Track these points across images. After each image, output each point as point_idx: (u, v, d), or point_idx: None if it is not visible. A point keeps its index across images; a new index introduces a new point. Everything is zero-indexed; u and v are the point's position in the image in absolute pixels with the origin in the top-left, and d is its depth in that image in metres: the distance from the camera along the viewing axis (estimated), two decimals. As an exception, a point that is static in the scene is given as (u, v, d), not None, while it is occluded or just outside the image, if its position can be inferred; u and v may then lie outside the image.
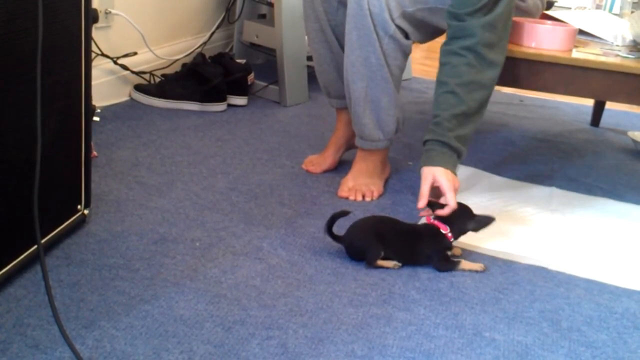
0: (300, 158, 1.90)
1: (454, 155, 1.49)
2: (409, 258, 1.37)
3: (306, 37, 2.44)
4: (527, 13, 1.72)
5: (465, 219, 1.40)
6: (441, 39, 1.72)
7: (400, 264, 1.36)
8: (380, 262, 1.35)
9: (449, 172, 1.46)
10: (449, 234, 1.38)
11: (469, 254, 1.46)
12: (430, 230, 1.39)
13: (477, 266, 1.39)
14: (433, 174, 1.45)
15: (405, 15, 1.55)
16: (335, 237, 1.36)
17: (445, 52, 1.51)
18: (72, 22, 1.23)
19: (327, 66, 1.76)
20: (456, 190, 1.45)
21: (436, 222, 1.39)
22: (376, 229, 1.37)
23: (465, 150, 1.52)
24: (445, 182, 1.43)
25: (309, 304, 1.21)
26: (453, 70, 1.48)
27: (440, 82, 1.51)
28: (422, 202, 1.42)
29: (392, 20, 1.53)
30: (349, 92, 1.64)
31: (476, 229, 1.41)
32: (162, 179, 1.68)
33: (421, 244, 1.37)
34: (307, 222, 1.53)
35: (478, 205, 1.69)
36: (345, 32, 1.59)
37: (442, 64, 1.51)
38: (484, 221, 1.41)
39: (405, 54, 1.62)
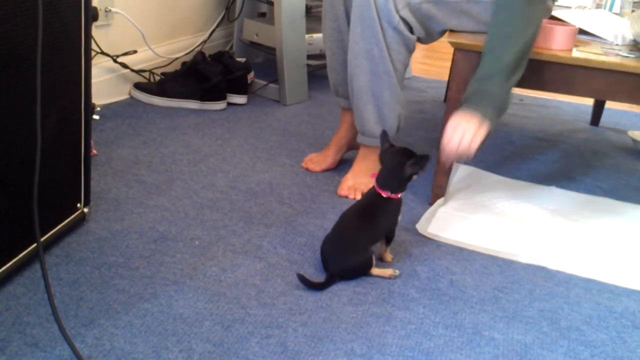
0: (300, 157, 1.90)
1: (495, 106, 1.40)
2: (378, 238, 1.35)
3: (307, 36, 2.45)
4: None
5: (402, 169, 1.32)
6: (443, 39, 1.72)
7: (397, 273, 1.33)
8: (377, 272, 1.32)
9: (480, 118, 1.37)
10: (392, 195, 1.33)
11: (468, 253, 1.46)
12: (376, 199, 1.34)
13: (388, 273, 1.34)
14: (460, 116, 1.36)
15: (411, 8, 1.55)
16: (324, 284, 1.27)
17: (492, 24, 1.48)
18: (72, 21, 1.23)
19: (339, 65, 1.76)
20: (480, 139, 1.36)
21: (377, 188, 1.34)
22: (354, 240, 1.31)
23: (509, 104, 1.44)
24: (467, 124, 1.36)
25: (308, 302, 1.21)
26: (500, 41, 1.44)
27: (488, 51, 1.45)
28: (446, 138, 1.36)
29: (397, 11, 1.54)
30: (352, 85, 1.64)
31: (416, 171, 1.33)
32: (161, 177, 1.68)
33: (378, 219, 1.33)
34: (307, 221, 1.53)
35: (478, 204, 1.70)
36: (350, 24, 1.60)
37: (490, 34, 1.47)
38: (420, 163, 1.33)
39: (409, 49, 1.61)
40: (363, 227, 1.32)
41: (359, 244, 1.30)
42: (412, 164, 1.32)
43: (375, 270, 1.32)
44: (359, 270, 1.31)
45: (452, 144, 1.36)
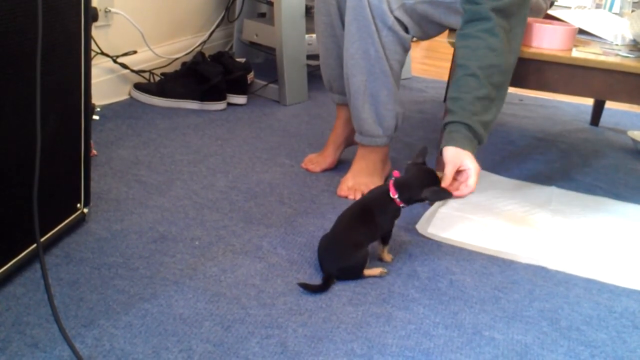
0: (299, 157, 1.90)
1: (475, 140, 1.43)
2: (376, 236, 1.35)
3: (306, 36, 2.45)
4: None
5: (421, 187, 1.33)
6: (441, 38, 1.72)
7: (386, 271, 1.34)
8: (368, 272, 1.32)
9: (473, 156, 1.40)
10: (398, 199, 1.33)
11: (468, 253, 1.46)
12: (381, 196, 1.35)
13: (377, 271, 1.34)
14: (461, 158, 1.39)
15: (405, 8, 1.55)
16: (323, 286, 1.26)
17: (463, 35, 1.47)
18: (72, 21, 1.23)
19: (333, 61, 1.76)
20: (477, 176, 1.40)
21: (390, 184, 1.34)
22: (350, 240, 1.30)
23: (486, 137, 1.45)
24: (473, 166, 1.38)
25: (308, 302, 1.21)
26: (473, 53, 1.44)
27: (460, 65, 1.46)
28: (447, 183, 1.37)
29: (391, 12, 1.54)
30: (349, 85, 1.64)
31: (429, 199, 1.36)
32: (161, 177, 1.68)
33: (375, 217, 1.33)
34: (307, 221, 1.53)
35: (477, 204, 1.70)
36: (345, 25, 1.60)
37: (460, 47, 1.47)
38: (440, 195, 1.35)
39: (405, 48, 1.62)
40: (360, 226, 1.32)
41: (354, 243, 1.30)
42: (432, 192, 1.33)
43: (366, 271, 1.31)
44: (355, 270, 1.30)
45: (461, 194, 1.39)
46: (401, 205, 1.34)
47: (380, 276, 1.32)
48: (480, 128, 1.42)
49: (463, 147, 1.39)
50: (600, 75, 1.56)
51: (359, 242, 1.30)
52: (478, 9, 1.44)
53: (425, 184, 1.34)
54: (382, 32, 1.56)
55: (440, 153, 1.43)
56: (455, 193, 1.37)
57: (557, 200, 1.79)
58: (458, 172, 1.39)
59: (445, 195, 1.36)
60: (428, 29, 1.63)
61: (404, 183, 1.34)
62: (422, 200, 1.35)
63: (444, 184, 1.36)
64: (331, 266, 1.29)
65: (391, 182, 1.34)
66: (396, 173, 1.36)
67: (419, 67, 3.32)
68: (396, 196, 1.33)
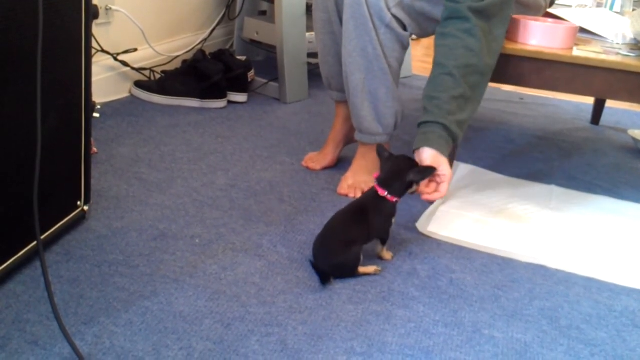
0: (300, 155, 1.90)
1: (450, 140, 1.42)
2: (370, 238, 1.35)
3: (307, 34, 2.45)
4: (526, 8, 1.72)
5: (404, 173, 1.33)
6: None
7: (380, 269, 1.33)
8: (362, 270, 1.31)
9: (447, 160, 1.40)
10: (389, 196, 1.33)
11: (468, 252, 1.46)
12: (372, 198, 1.35)
13: (372, 269, 1.34)
14: (439, 163, 1.38)
15: (403, 6, 1.55)
16: (321, 278, 1.28)
17: (442, 34, 1.47)
18: (73, 18, 1.23)
19: (331, 58, 1.76)
20: (449, 182, 1.41)
21: (376, 185, 1.35)
22: (342, 238, 1.30)
23: (462, 136, 1.45)
24: (448, 173, 1.38)
25: (308, 301, 1.21)
26: (451, 52, 1.43)
27: (437, 64, 1.46)
28: (424, 185, 1.38)
29: (389, 9, 1.54)
30: (347, 83, 1.64)
31: (418, 180, 1.35)
32: (162, 175, 1.68)
33: (370, 218, 1.33)
34: (307, 219, 1.53)
35: (477, 203, 1.70)
36: (342, 23, 1.60)
37: (439, 46, 1.47)
38: (425, 173, 1.35)
39: (403, 45, 1.61)
40: (353, 225, 1.32)
41: (346, 240, 1.30)
42: (417, 172, 1.34)
43: (360, 269, 1.31)
44: (347, 267, 1.30)
45: (431, 198, 1.40)
46: (394, 200, 1.34)
47: (375, 274, 1.32)
48: (456, 127, 1.42)
49: (441, 151, 1.39)
50: (601, 74, 1.56)
51: (350, 240, 1.30)
52: (457, 7, 1.43)
53: (407, 168, 1.34)
54: (380, 30, 1.56)
55: (414, 151, 1.42)
56: (426, 197, 1.38)
57: (557, 199, 1.79)
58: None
59: (430, 171, 1.35)
60: (426, 26, 1.63)
61: (386, 177, 1.34)
62: (410, 184, 1.34)
63: (421, 186, 1.37)
64: (323, 262, 1.29)
65: (375, 184, 1.35)
66: (375, 174, 1.37)
67: (419, 66, 3.31)
68: (386, 193, 1.33)
